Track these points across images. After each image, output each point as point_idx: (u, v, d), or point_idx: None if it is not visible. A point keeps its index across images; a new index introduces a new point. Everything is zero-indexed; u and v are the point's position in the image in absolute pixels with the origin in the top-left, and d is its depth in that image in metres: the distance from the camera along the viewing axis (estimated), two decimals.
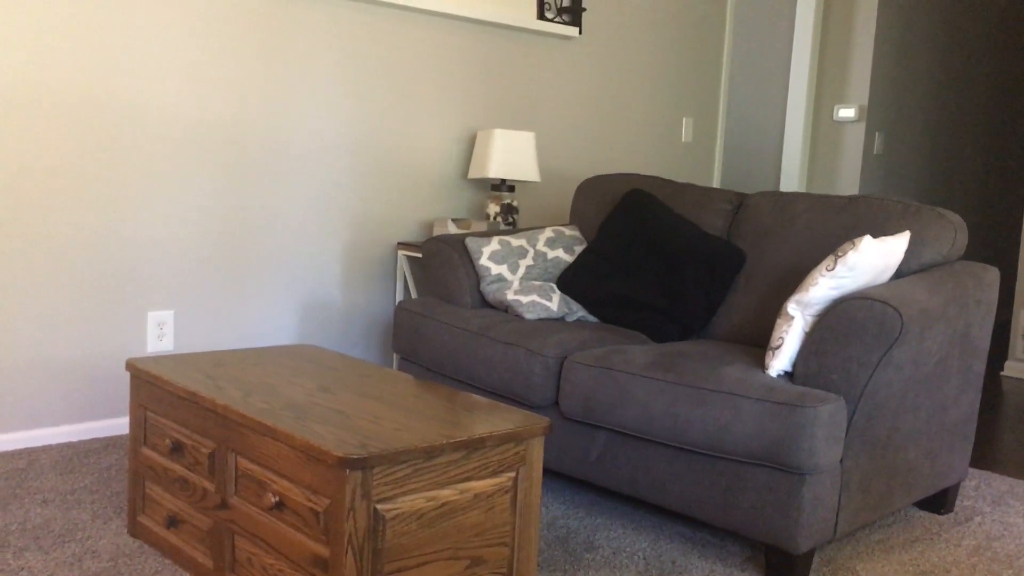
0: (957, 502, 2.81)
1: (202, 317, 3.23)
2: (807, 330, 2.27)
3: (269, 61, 3.28)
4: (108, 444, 2.97)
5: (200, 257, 3.20)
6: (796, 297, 2.28)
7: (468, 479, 1.81)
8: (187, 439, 2.07)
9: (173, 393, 2.09)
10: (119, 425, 3.10)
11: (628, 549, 2.34)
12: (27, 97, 2.80)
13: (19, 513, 2.36)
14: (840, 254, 2.24)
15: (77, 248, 2.94)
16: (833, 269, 2.23)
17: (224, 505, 1.96)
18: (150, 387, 2.19)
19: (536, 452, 1.93)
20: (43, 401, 2.93)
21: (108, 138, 2.96)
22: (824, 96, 5.20)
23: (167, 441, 2.13)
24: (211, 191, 3.20)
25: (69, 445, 2.94)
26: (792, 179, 5.21)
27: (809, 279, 2.27)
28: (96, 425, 3.05)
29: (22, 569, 2.05)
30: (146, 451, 2.23)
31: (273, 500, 1.80)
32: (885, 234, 2.62)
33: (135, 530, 2.26)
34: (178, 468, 2.11)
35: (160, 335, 3.14)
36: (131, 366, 2.23)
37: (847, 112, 5.09)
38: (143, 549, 2.19)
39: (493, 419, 1.90)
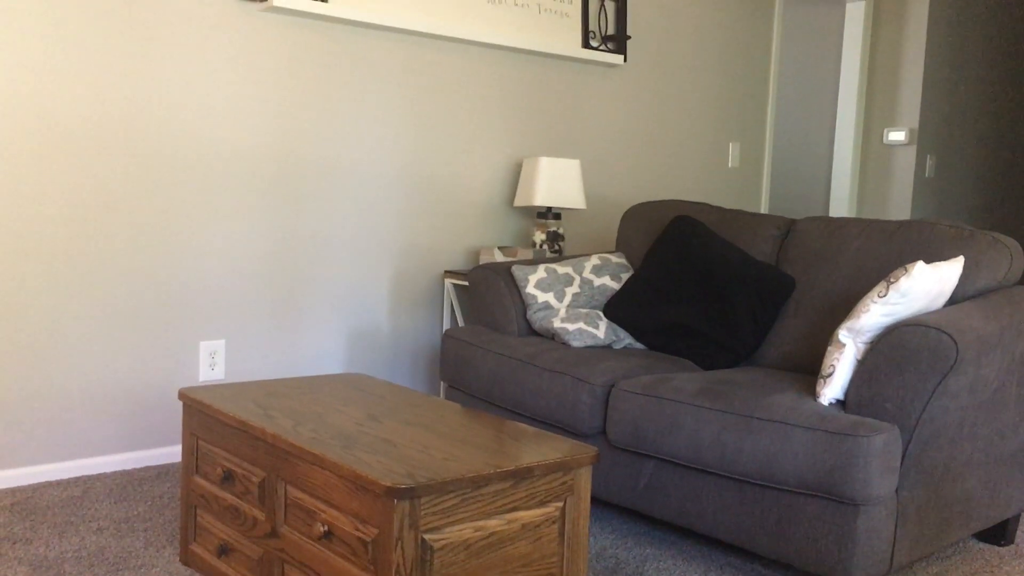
0: (1018, 534, 2.73)
1: (252, 346, 3.27)
2: (859, 358, 2.24)
3: (317, 92, 3.33)
4: (161, 472, 3.01)
5: (250, 287, 3.25)
6: (847, 324, 2.25)
7: (516, 509, 1.80)
8: (238, 468, 2.09)
9: (224, 422, 2.12)
10: (172, 453, 3.14)
11: None
12: (79, 130, 2.87)
13: (75, 540, 2.40)
14: (892, 280, 2.20)
15: (130, 279, 3.00)
16: (885, 295, 2.19)
17: (274, 534, 1.97)
18: (202, 416, 2.22)
19: (584, 481, 1.91)
20: (98, 430, 2.99)
21: (159, 169, 3.03)
22: (874, 119, 5.14)
23: (218, 470, 2.16)
24: (260, 221, 3.25)
25: (123, 473, 2.99)
26: (842, 204, 5.15)
27: (860, 306, 2.24)
28: (149, 453, 3.09)
29: None
30: (198, 479, 2.25)
31: (322, 529, 1.80)
32: (938, 259, 2.57)
33: (187, 558, 2.28)
34: (229, 497, 2.13)
35: (212, 364, 3.18)
36: (183, 395, 2.26)
37: (897, 135, 5.02)
38: None
39: (540, 448, 1.90)
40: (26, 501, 2.68)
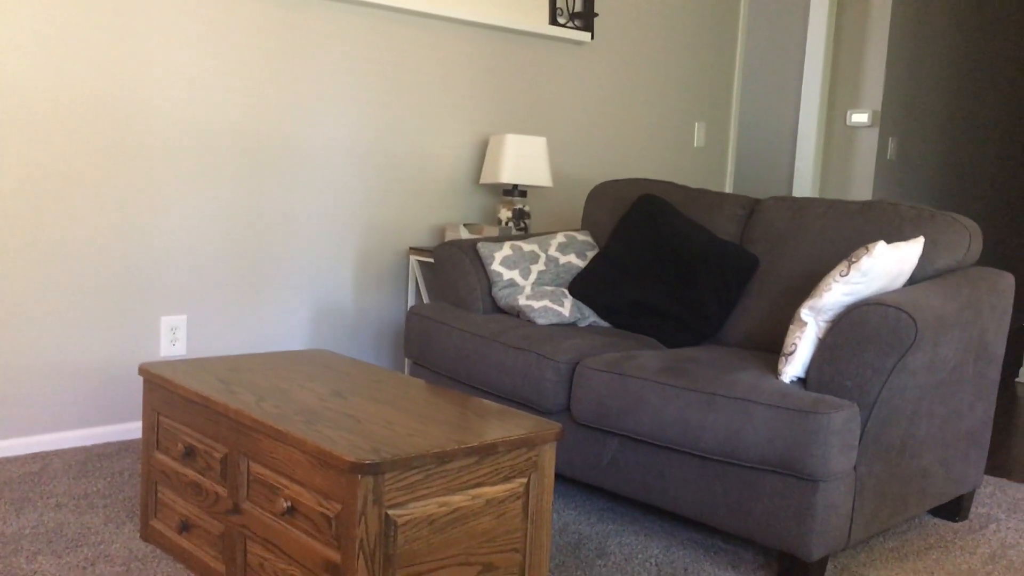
0: (972, 509, 2.79)
1: (215, 322, 3.24)
2: (820, 336, 2.26)
3: (282, 67, 3.29)
4: (121, 448, 2.98)
5: (213, 262, 3.21)
6: (809, 303, 2.27)
7: (480, 485, 1.81)
8: (200, 444, 2.07)
9: (186, 398, 2.10)
10: (132, 429, 3.11)
11: (640, 556, 2.34)
12: (41, 103, 2.81)
13: (32, 517, 2.37)
14: (854, 260, 2.22)
15: (91, 253, 2.95)
16: (847, 275, 2.22)
17: (236, 510, 1.96)
18: (163, 392, 2.19)
19: (548, 458, 1.92)
20: (57, 405, 2.94)
21: (122, 144, 2.98)
22: (837, 101, 5.18)
23: (180, 446, 2.14)
24: (224, 197, 3.21)
25: (82, 449, 2.95)
26: (805, 184, 5.20)
27: (822, 285, 2.26)
28: (109, 429, 3.06)
29: (35, 573, 2.06)
30: (159, 456, 2.23)
31: (285, 505, 1.80)
32: (899, 240, 2.61)
33: (148, 534, 2.27)
34: (190, 473, 2.11)
35: (173, 340, 3.15)
36: (144, 371, 2.23)
37: (860, 117, 5.07)
38: (155, 553, 2.20)
39: (505, 424, 1.90)
40: None
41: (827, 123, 5.21)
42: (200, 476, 2.08)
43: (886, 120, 5.10)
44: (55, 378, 2.93)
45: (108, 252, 2.99)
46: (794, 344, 2.27)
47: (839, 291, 2.23)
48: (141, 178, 3.02)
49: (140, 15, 2.96)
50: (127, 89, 2.96)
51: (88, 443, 3.01)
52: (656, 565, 2.28)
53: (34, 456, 2.86)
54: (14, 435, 2.87)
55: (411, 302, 3.72)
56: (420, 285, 3.68)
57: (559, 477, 2.90)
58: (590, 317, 3.01)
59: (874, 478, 2.22)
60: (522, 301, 2.97)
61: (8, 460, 2.81)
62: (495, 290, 3.07)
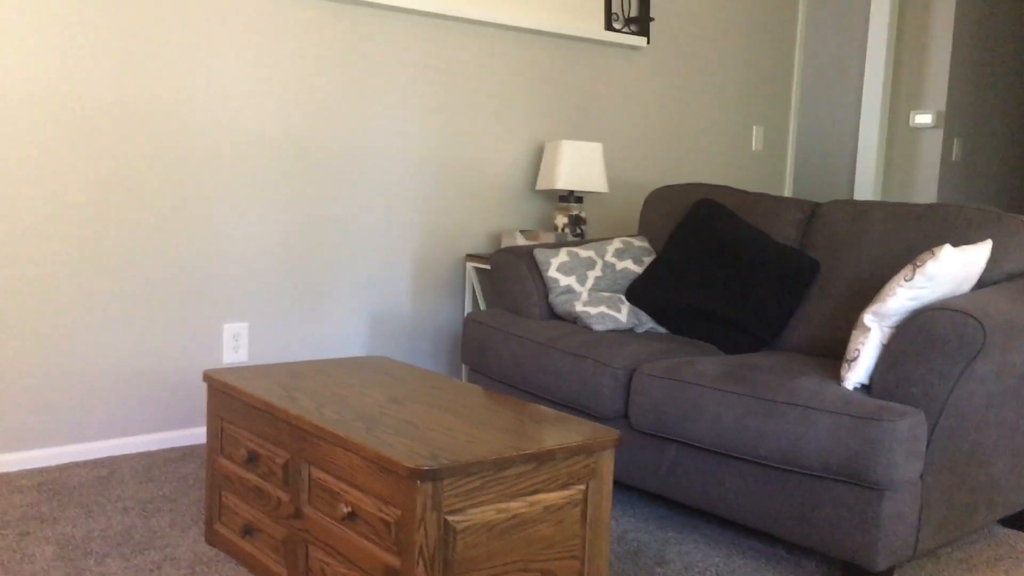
0: None
1: (275, 328, 3.29)
2: (884, 342, 2.22)
3: (340, 76, 3.33)
4: (186, 453, 3.04)
5: (273, 270, 3.26)
6: (873, 308, 2.23)
7: (538, 491, 1.81)
8: (262, 449, 2.10)
9: (248, 404, 2.13)
10: (197, 435, 3.16)
11: (700, 564, 2.31)
12: (105, 116, 2.89)
13: (101, 520, 2.43)
14: (919, 264, 2.18)
15: (156, 262, 3.02)
16: (911, 279, 2.17)
17: (298, 515, 1.98)
18: (226, 398, 2.23)
19: (606, 465, 1.91)
20: (123, 411, 3.01)
21: (184, 154, 3.04)
22: (900, 101, 5.08)
23: (243, 451, 2.17)
24: (283, 205, 3.26)
25: (148, 454, 3.02)
26: (867, 187, 5.10)
27: (886, 289, 2.22)
28: (174, 435, 3.12)
29: (104, 575, 2.11)
30: (222, 461, 2.27)
31: (345, 510, 1.81)
32: (965, 243, 2.55)
33: (212, 538, 2.31)
34: (253, 478, 2.14)
35: (235, 346, 3.20)
36: (208, 377, 2.28)
37: (924, 118, 4.96)
38: (219, 557, 2.23)
39: (563, 431, 1.90)
40: (53, 481, 2.72)
41: (889, 124, 5.12)
42: (263, 481, 2.11)
43: (951, 121, 4.99)
44: (122, 384, 3.00)
45: (171, 261, 3.05)
46: (857, 350, 2.23)
47: (904, 296, 2.19)
48: (202, 188, 3.09)
49: (198, 27, 3.02)
50: (186, 100, 3.03)
51: (154, 448, 3.08)
52: (717, 574, 2.26)
53: (102, 461, 2.93)
54: (83, 440, 2.95)
55: (468, 309, 3.73)
56: (477, 292, 3.69)
57: (617, 484, 2.89)
58: (647, 323, 3.00)
59: (941, 487, 2.17)
60: (579, 307, 2.97)
61: (77, 465, 2.88)
62: (552, 296, 3.07)
